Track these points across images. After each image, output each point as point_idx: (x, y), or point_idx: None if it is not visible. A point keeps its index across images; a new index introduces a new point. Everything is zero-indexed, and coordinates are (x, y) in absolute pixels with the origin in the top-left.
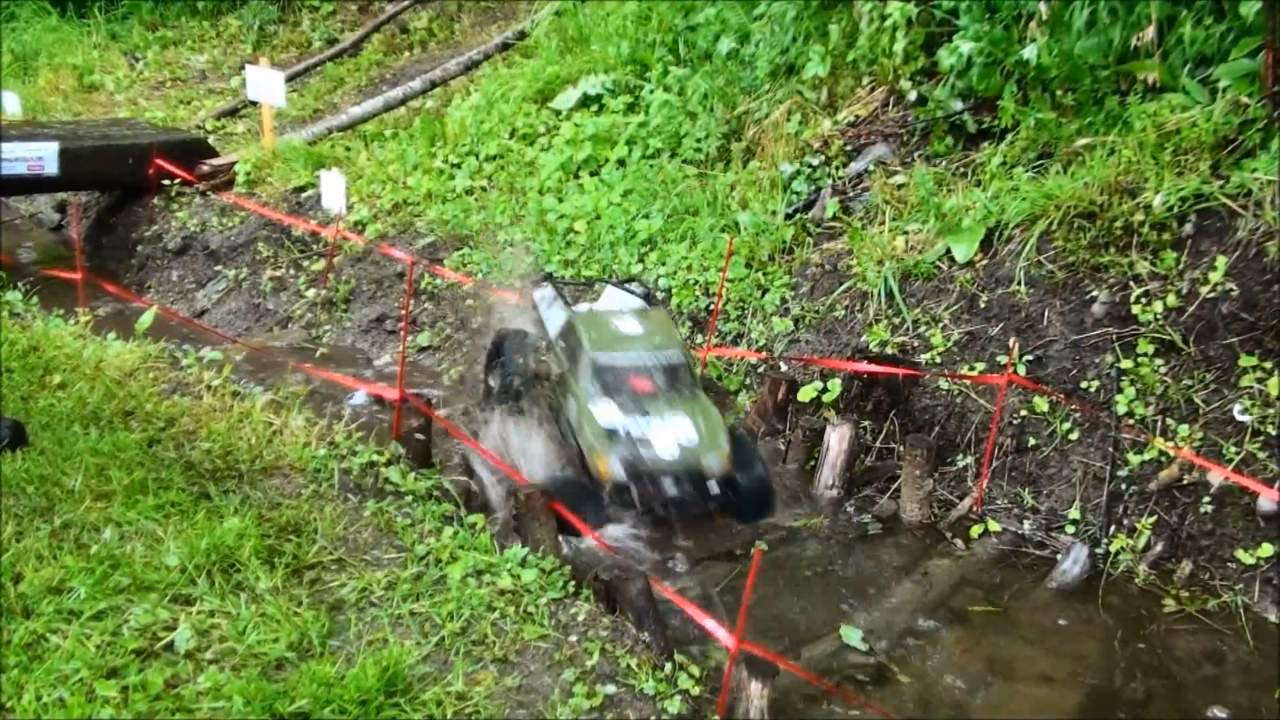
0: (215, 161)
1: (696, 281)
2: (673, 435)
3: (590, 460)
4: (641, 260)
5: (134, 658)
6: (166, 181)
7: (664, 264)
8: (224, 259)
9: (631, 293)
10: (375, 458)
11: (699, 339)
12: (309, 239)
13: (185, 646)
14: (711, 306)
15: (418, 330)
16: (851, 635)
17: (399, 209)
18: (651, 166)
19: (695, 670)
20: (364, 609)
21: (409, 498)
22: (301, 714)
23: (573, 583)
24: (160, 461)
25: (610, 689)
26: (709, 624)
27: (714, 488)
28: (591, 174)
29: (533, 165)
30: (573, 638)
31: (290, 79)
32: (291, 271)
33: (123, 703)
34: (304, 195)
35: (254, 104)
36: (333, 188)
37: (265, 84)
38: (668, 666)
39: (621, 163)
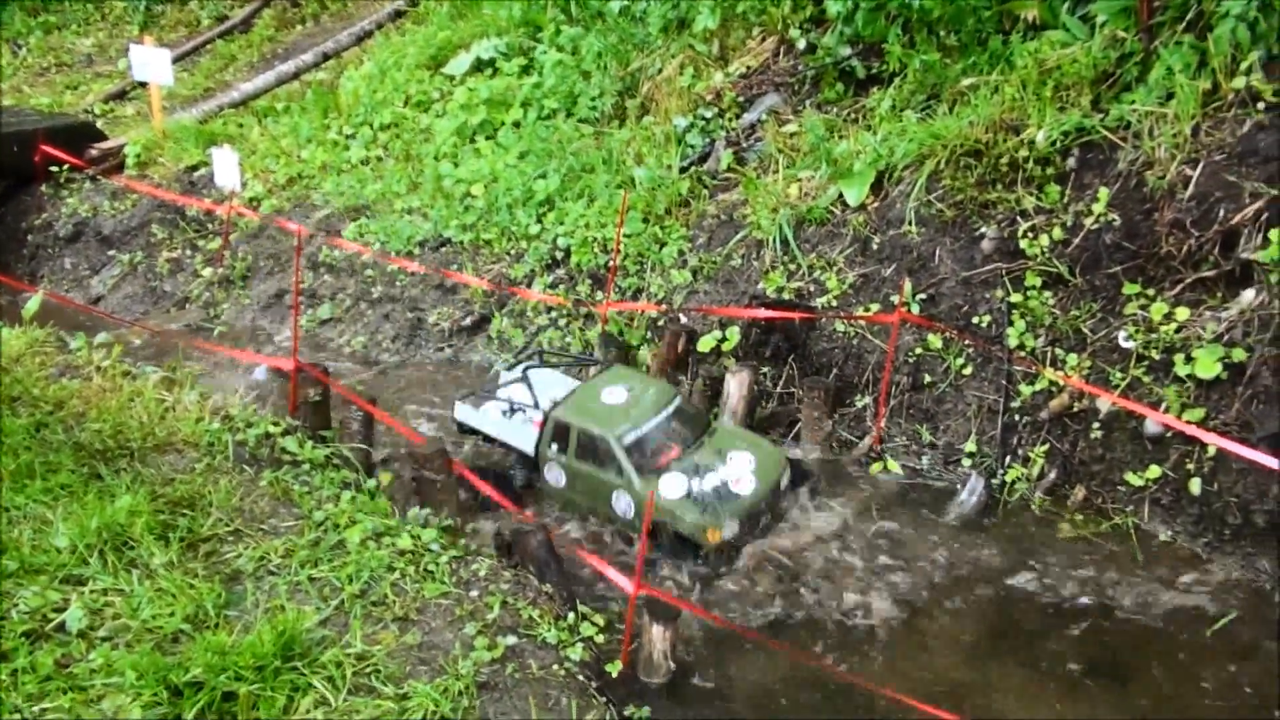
0: (104, 145)
1: (595, 239)
2: (739, 470)
3: (694, 534)
4: (540, 220)
5: (23, 640)
6: (55, 168)
7: (562, 223)
8: (117, 243)
9: (574, 361)
10: (271, 429)
11: (599, 295)
12: (204, 218)
13: (77, 626)
14: (610, 263)
15: (318, 303)
16: None
17: (294, 183)
18: (547, 127)
19: (599, 619)
20: (261, 578)
21: (306, 466)
22: (196, 683)
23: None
24: (48, 445)
25: (511, 640)
26: (609, 571)
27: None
28: (487, 138)
29: (428, 132)
30: (474, 593)
31: (180, 58)
32: (188, 252)
33: (12, 685)
34: (197, 174)
35: (142, 85)
36: (225, 165)
37: (151, 63)
38: (570, 616)
39: (517, 125)
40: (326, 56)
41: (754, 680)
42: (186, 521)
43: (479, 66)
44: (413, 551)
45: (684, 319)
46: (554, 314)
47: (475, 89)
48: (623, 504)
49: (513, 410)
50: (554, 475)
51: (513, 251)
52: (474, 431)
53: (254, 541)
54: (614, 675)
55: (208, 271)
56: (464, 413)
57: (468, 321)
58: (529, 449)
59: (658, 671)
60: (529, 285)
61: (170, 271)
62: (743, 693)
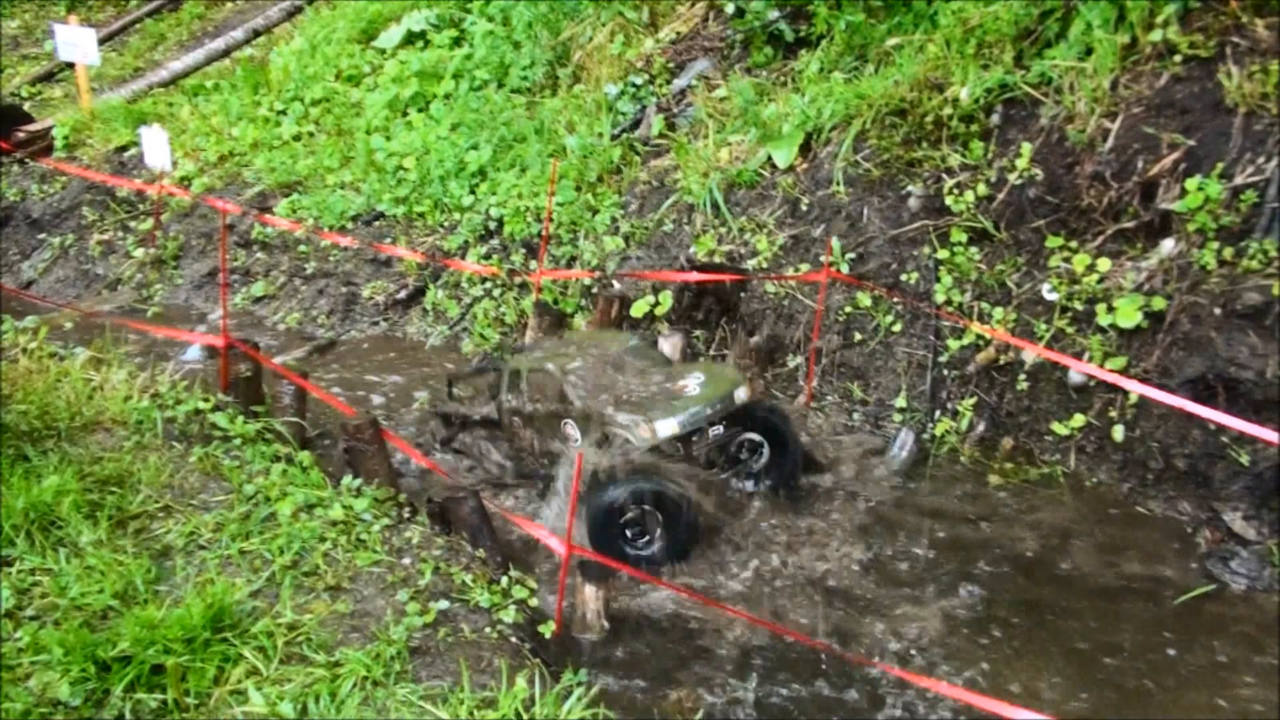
0: (31, 127)
1: (528, 208)
2: (683, 383)
3: (629, 435)
4: (473, 192)
5: None
6: None
7: (495, 194)
8: (48, 227)
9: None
10: (201, 405)
11: (532, 264)
12: (135, 198)
13: (3, 606)
14: (543, 231)
15: (252, 280)
16: None
17: (225, 160)
18: (479, 98)
19: (534, 582)
20: (192, 553)
21: (238, 441)
22: (124, 657)
23: (408, 508)
24: None
25: (444, 605)
26: (541, 534)
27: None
28: (419, 110)
29: (359, 106)
30: (406, 560)
31: (108, 38)
32: (119, 233)
33: None
34: (127, 155)
35: (69, 66)
36: (155, 144)
37: (76, 43)
38: (503, 580)
39: (449, 97)
40: (257, 33)
41: (687, 639)
42: (115, 499)
43: (410, 39)
44: (345, 522)
45: (617, 285)
46: (488, 285)
47: (406, 61)
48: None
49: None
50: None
51: (446, 223)
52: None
53: (184, 517)
54: (547, 636)
55: (140, 252)
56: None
57: (402, 295)
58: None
59: (592, 631)
60: (463, 257)
61: (102, 254)
62: (675, 652)
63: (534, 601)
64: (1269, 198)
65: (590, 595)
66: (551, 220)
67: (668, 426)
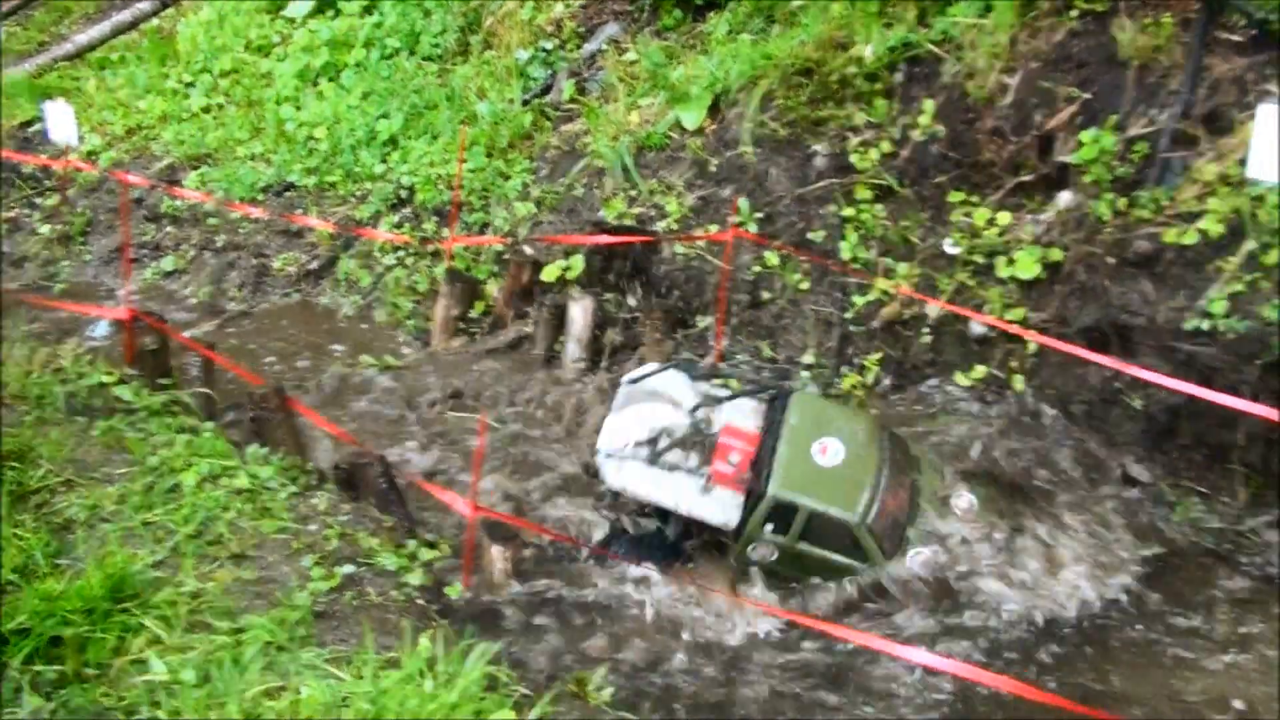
0: None
1: (439, 176)
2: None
3: None
4: (384, 160)
5: None
6: None
7: (406, 162)
8: None
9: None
10: (105, 379)
11: (444, 232)
12: (41, 175)
13: None
14: (455, 199)
15: (161, 255)
16: None
17: (133, 134)
18: (390, 66)
19: (445, 545)
20: (94, 525)
21: (143, 413)
22: (23, 630)
23: (315, 475)
24: None
25: (349, 569)
26: (447, 497)
27: None
28: (330, 79)
29: (269, 76)
30: (312, 527)
31: (11, 12)
32: (25, 211)
33: None
34: (31, 130)
35: None
36: (59, 119)
37: None
38: (410, 543)
39: (359, 65)
40: (164, 4)
41: (593, 592)
42: (14, 474)
43: (320, 7)
44: (250, 490)
45: (529, 250)
46: (401, 253)
47: (316, 30)
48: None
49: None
50: (762, 553)
51: (358, 193)
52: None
53: (86, 491)
54: (455, 597)
55: (46, 229)
56: (618, 477)
57: (314, 265)
58: (729, 523)
59: (500, 589)
60: (375, 226)
61: (8, 231)
62: (582, 604)
63: (441, 563)
64: (1160, 148)
65: (497, 555)
66: (463, 187)
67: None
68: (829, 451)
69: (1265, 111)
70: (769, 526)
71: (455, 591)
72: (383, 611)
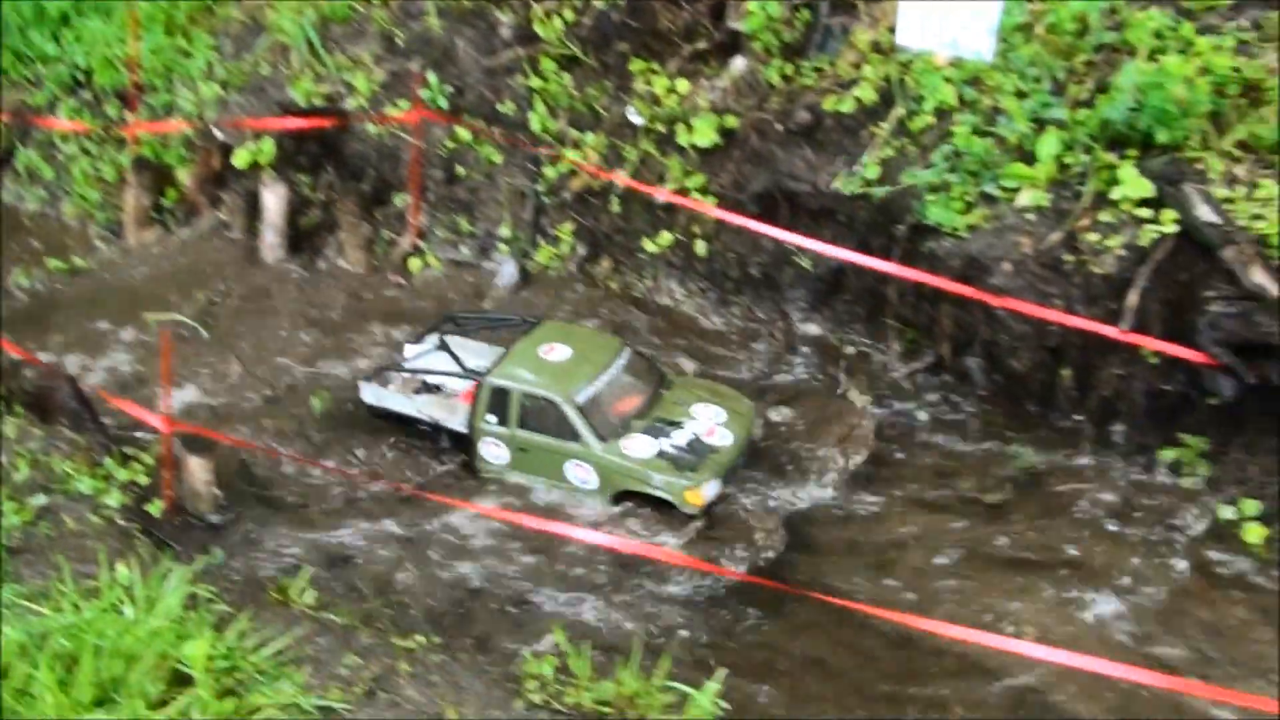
0: None
1: (117, 56)
2: (708, 422)
3: (672, 497)
4: (57, 40)
5: None
6: None
7: (80, 42)
8: None
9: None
10: None
11: (128, 116)
12: None
13: None
14: (136, 81)
15: None
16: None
17: None
18: None
19: (146, 460)
20: None
21: None
22: None
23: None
24: None
25: (42, 500)
26: (139, 412)
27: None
28: None
29: None
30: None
31: None
32: None
33: None
34: None
35: None
36: None
37: None
38: (106, 462)
39: None
40: None
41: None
42: None
43: None
44: None
45: (218, 134)
46: (83, 142)
47: None
48: (580, 474)
49: (426, 388)
50: (493, 451)
51: (30, 77)
52: (387, 415)
53: None
54: (157, 515)
55: None
56: (374, 394)
57: None
58: (461, 425)
59: (204, 501)
60: (52, 112)
61: None
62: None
63: (143, 479)
64: (821, 14)
65: (196, 467)
66: (142, 68)
67: (713, 488)
68: (555, 352)
69: None
70: (491, 417)
71: (156, 509)
72: (81, 539)
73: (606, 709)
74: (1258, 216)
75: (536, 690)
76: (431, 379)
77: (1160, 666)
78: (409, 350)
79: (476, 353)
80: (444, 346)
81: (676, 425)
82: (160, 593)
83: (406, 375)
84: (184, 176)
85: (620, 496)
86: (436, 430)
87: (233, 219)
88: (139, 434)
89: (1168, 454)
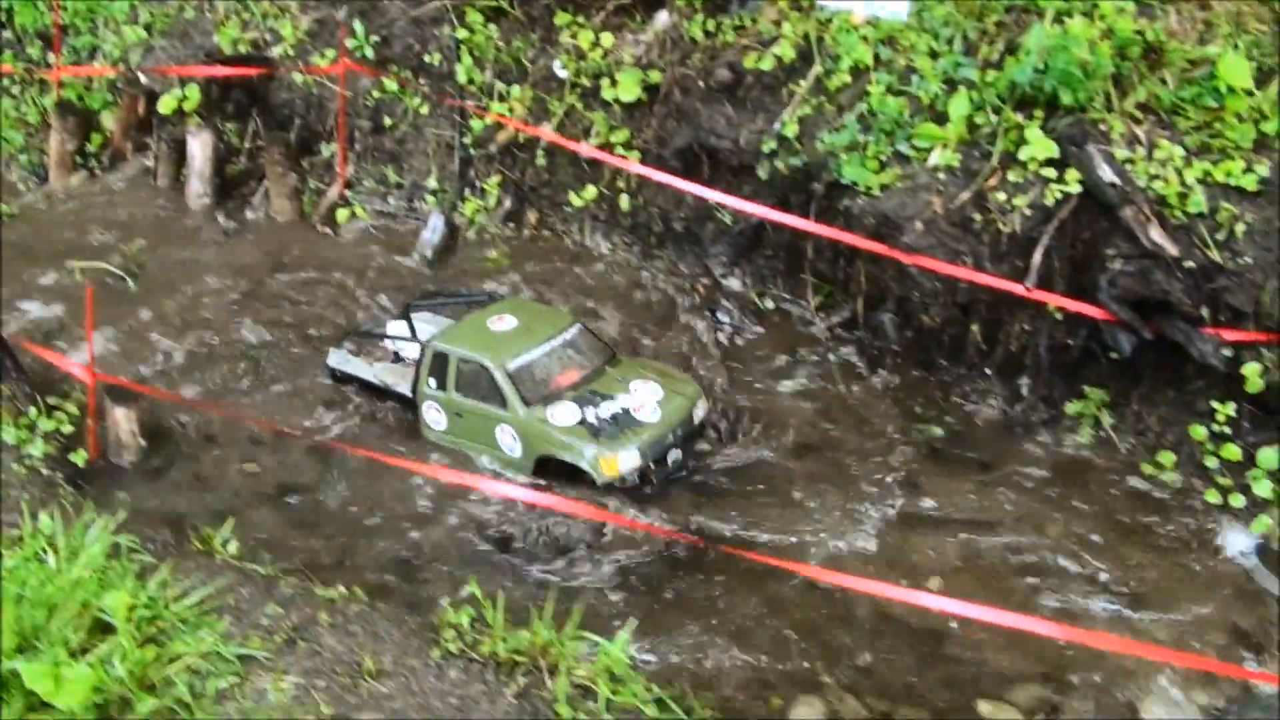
0: None
1: None
2: (643, 398)
3: (587, 466)
4: None
5: None
6: None
7: None
8: None
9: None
10: None
11: (50, 59)
12: None
13: None
14: (58, 23)
15: None
16: None
17: None
18: None
19: (72, 409)
20: None
21: None
22: None
23: None
24: None
25: None
26: (62, 362)
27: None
28: None
29: None
30: None
31: None
32: None
33: None
34: None
35: None
36: None
37: None
38: (31, 412)
39: None
40: None
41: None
42: None
43: None
44: None
45: (143, 79)
46: (5, 83)
47: None
48: (508, 440)
49: (398, 357)
50: (433, 416)
51: None
52: (348, 379)
53: None
54: (81, 465)
55: None
56: (338, 359)
57: None
58: (408, 389)
59: (129, 451)
60: None
61: None
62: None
63: (67, 429)
64: None
65: (120, 417)
66: (64, 8)
67: (630, 459)
68: (502, 323)
69: None
70: (432, 381)
71: (80, 459)
72: (4, 488)
73: (520, 658)
74: (1156, 177)
75: (453, 640)
76: (403, 350)
77: None
78: (390, 326)
79: (437, 325)
80: (405, 316)
81: (608, 398)
82: (83, 542)
83: (377, 343)
84: (109, 121)
85: (542, 466)
86: (388, 394)
87: (159, 166)
88: (63, 383)
89: (1072, 406)
